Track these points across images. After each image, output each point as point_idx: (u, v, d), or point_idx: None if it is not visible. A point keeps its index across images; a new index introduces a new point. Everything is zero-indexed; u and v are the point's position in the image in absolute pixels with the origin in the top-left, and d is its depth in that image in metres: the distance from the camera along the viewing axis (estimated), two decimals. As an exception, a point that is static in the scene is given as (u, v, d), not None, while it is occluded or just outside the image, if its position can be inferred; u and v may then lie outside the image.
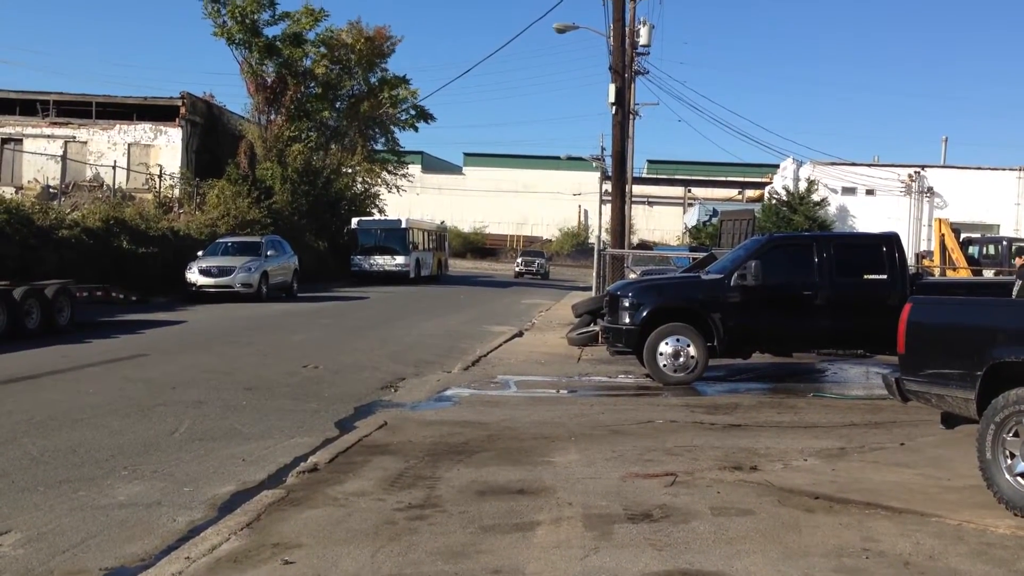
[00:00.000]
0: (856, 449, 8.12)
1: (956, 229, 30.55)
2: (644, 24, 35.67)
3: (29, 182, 37.78)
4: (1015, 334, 6.14)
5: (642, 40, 35.16)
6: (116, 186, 33.67)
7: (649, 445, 8.18)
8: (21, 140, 39.60)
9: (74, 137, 39.97)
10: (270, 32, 38.20)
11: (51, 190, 33.73)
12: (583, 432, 8.78)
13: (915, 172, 46.00)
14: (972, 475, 6.49)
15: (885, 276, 12.08)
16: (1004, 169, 46.00)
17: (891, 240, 12.41)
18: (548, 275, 52.96)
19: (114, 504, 6.23)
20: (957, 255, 28.65)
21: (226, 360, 13.52)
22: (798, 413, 10.07)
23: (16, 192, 33.12)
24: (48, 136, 39.61)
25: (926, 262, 30.82)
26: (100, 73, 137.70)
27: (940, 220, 31.16)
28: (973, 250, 30.17)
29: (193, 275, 25.33)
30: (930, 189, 45.64)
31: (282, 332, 17.75)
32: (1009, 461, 5.99)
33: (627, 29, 26.60)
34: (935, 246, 31.10)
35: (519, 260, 55.67)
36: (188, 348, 14.95)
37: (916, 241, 43.01)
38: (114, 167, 33.75)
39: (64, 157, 36.80)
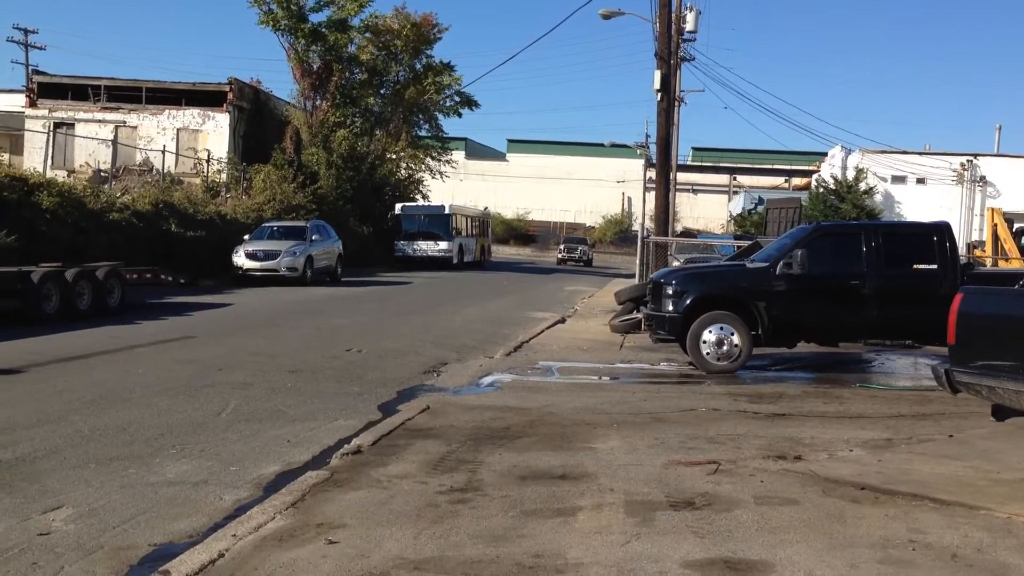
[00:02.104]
0: (903, 440, 8.00)
1: (1009, 219, 29.84)
2: (691, 10, 35.36)
3: (81, 166, 38.45)
4: (1070, 326, 6.02)
5: (688, 26, 34.87)
6: (165, 170, 34.19)
7: (691, 433, 8.14)
8: (73, 125, 40.30)
9: (124, 122, 40.60)
10: (315, 18, 38.49)
11: (102, 174, 34.31)
12: (625, 419, 8.76)
13: (967, 160, 45.10)
14: (1023, 468, 6.37)
15: (935, 266, 11.87)
16: (1060, 158, 44.96)
17: (942, 229, 12.17)
18: (591, 262, 52.72)
19: (162, 482, 6.34)
20: (1010, 245, 28.02)
21: (271, 343, 13.68)
22: (844, 403, 9.95)
23: (68, 175, 33.72)
24: (99, 121, 40.27)
25: (977, 252, 30.18)
26: (150, 59, 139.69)
27: (992, 209, 30.48)
28: (1027, 241, 29.45)
29: (239, 259, 25.64)
30: (983, 178, 44.73)
31: (326, 316, 17.91)
32: (1061, 455, 5.88)
33: (673, 15, 26.36)
34: (987, 236, 30.44)
35: (561, 247, 55.40)
36: (234, 331, 15.15)
37: (967, 231, 42.19)
38: (163, 151, 34.27)
39: (115, 141, 37.43)
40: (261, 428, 8.06)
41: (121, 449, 7.17)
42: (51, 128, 38.06)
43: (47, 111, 40.70)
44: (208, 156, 36.66)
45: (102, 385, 9.77)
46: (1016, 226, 29.99)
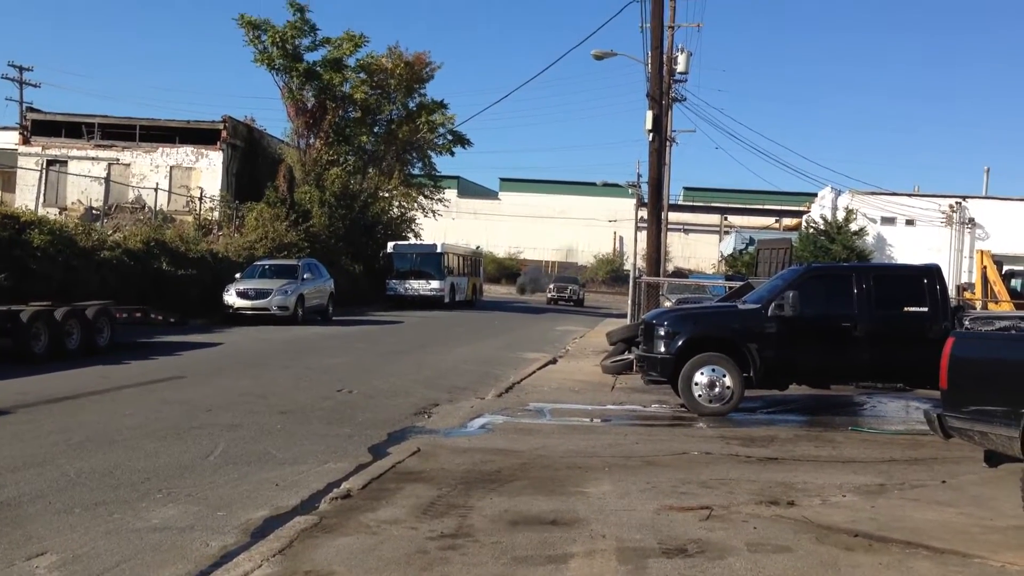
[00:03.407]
0: (896, 486, 7.96)
1: (998, 261, 30.02)
2: (682, 51, 35.79)
3: (73, 203, 38.47)
4: (1061, 372, 6.02)
5: (679, 67, 35.27)
6: (157, 208, 34.20)
7: (684, 477, 8.09)
8: (66, 162, 40.40)
9: (118, 159, 40.71)
10: (310, 57, 38.75)
11: (94, 211, 34.31)
12: (617, 462, 8.71)
13: (956, 203, 45.42)
14: (1016, 515, 6.34)
15: (926, 309, 11.90)
16: (1048, 200, 45.31)
17: (932, 272, 12.23)
18: (582, 302, 52.39)
19: (148, 527, 6.26)
20: (1000, 288, 28.14)
21: (261, 383, 13.60)
22: (836, 447, 9.91)
23: (60, 213, 33.71)
24: (93, 158, 40.38)
25: (967, 294, 30.31)
26: (145, 97, 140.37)
27: (982, 252, 30.63)
28: (1016, 283, 29.65)
29: (230, 297, 25.58)
30: (971, 220, 45.02)
31: (317, 355, 17.84)
32: (1055, 502, 5.85)
33: (665, 56, 26.66)
34: (977, 278, 30.57)
35: (551, 286, 54.46)
36: (224, 371, 15.07)
37: (957, 273, 42.37)
38: (156, 189, 34.32)
39: (108, 179, 37.54)
40: (250, 471, 7.98)
41: (107, 493, 7.09)
42: (44, 166, 38.15)
43: (40, 148, 40.81)
44: (201, 194, 36.71)
45: (89, 427, 9.68)
46: (1005, 268, 30.15)
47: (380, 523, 6.37)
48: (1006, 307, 25.72)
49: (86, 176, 37.36)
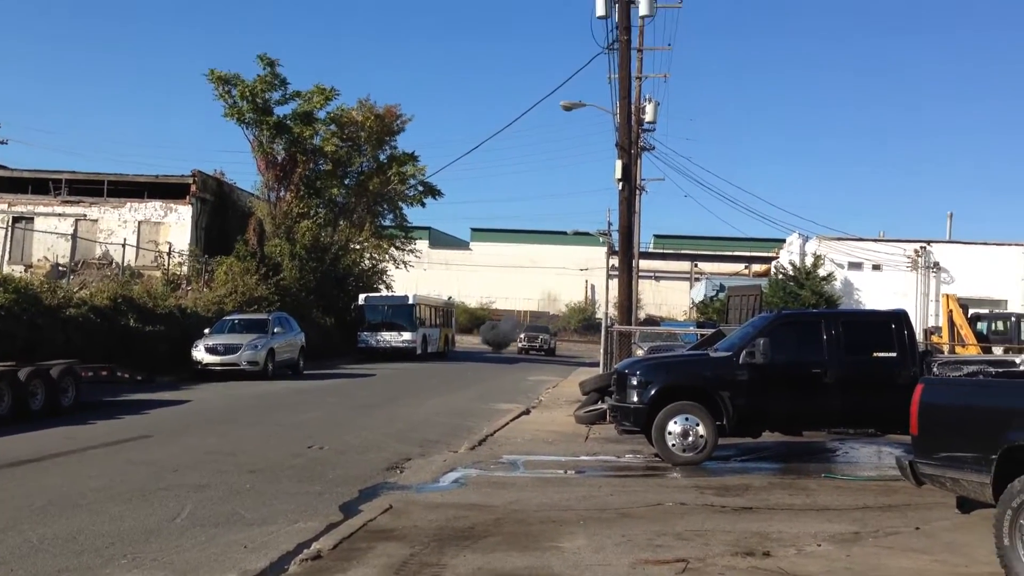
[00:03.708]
0: (870, 534, 7.94)
1: (964, 304, 30.48)
2: (650, 101, 36.30)
3: (39, 260, 38.12)
4: (1030, 417, 6.05)
5: (648, 117, 35.74)
6: (125, 263, 33.92)
7: (659, 529, 8.03)
8: (32, 219, 40.11)
9: (85, 215, 40.48)
10: (280, 111, 38.88)
11: (60, 268, 33.99)
12: (592, 515, 8.63)
13: (921, 247, 46.12)
14: (990, 561, 6.33)
15: (895, 354, 11.99)
16: (1010, 244, 46.12)
17: (900, 317, 12.34)
18: (554, 351, 52.21)
19: (112, 595, 6.09)
20: (966, 331, 28.52)
21: (230, 441, 13.40)
22: (810, 495, 9.89)
23: (26, 270, 33.38)
24: (59, 214, 40.14)
25: (935, 338, 30.66)
26: (113, 153, 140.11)
27: (948, 296, 31.11)
28: (982, 326, 30.06)
29: (199, 353, 25.30)
30: (936, 264, 45.70)
31: (287, 411, 17.63)
32: (1028, 548, 5.84)
33: (633, 107, 27.00)
34: (943, 322, 30.97)
35: (522, 336, 53.94)
36: (192, 429, 14.84)
37: (924, 316, 42.89)
38: (123, 245, 34.05)
39: (74, 235, 37.22)
40: (217, 533, 7.82)
41: (70, 560, 6.91)
42: (9, 223, 37.79)
43: (7, 205, 40.52)
44: (170, 249, 36.48)
45: (53, 490, 9.46)
46: (971, 312, 30.57)
47: (351, 585, 6.25)
48: (973, 350, 26.02)
49: (53, 233, 37.07)
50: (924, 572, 6.65)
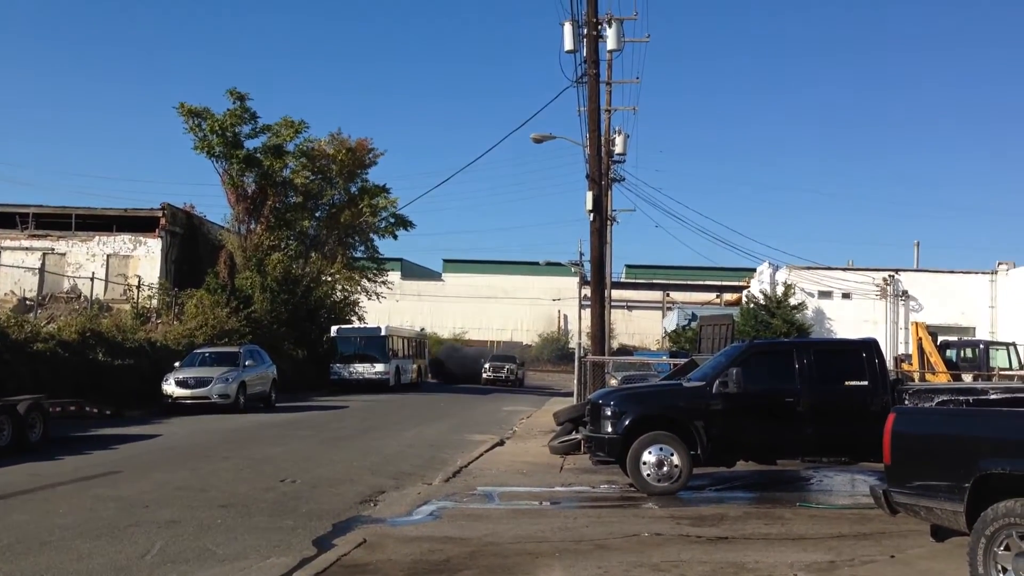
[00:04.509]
0: (846, 563, 7.96)
1: (933, 332, 30.79)
2: (619, 133, 36.59)
3: (6, 294, 37.64)
4: (1001, 444, 6.11)
5: (618, 149, 36.01)
6: (94, 297, 33.54)
7: (635, 560, 8.00)
8: (-1, 253, 39.62)
9: (53, 249, 40.09)
10: (251, 144, 38.79)
11: (27, 302, 33.57)
12: (568, 547, 8.59)
13: (889, 276, 46.65)
14: (965, 590, 6.35)
15: (866, 382, 12.09)
16: (976, 272, 46.75)
17: (870, 346, 12.46)
18: (522, 382, 50.78)
19: (80, 635, 5.97)
20: (936, 359, 28.80)
21: (201, 476, 13.22)
22: (785, 524, 9.91)
23: (-8, 304, 32.91)
24: (26, 248, 39.73)
25: (905, 366, 30.93)
26: (81, 186, 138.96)
27: (917, 324, 31.42)
28: (951, 353, 30.36)
29: (169, 387, 25.00)
30: (905, 292, 46.22)
31: (259, 445, 17.44)
32: (1002, 576, 5.88)
33: (603, 139, 27.23)
34: (913, 349, 31.28)
35: (487, 365, 51.14)
36: (162, 464, 14.62)
37: (893, 344, 43.27)
38: (92, 278, 33.68)
39: (42, 269, 36.87)
40: (188, 570, 7.70)
41: (37, 599, 6.77)
42: (-24, 256, 37.30)
43: (-28, 240, 40.01)
44: (139, 282, 36.15)
45: (19, 528, 9.28)
46: (940, 339, 30.89)
47: (325, 621, 6.16)
48: (943, 378, 26.27)
49: (19, 267, 36.64)
50: (900, 600, 6.67)
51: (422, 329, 53.32)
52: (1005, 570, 5.86)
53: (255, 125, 38.35)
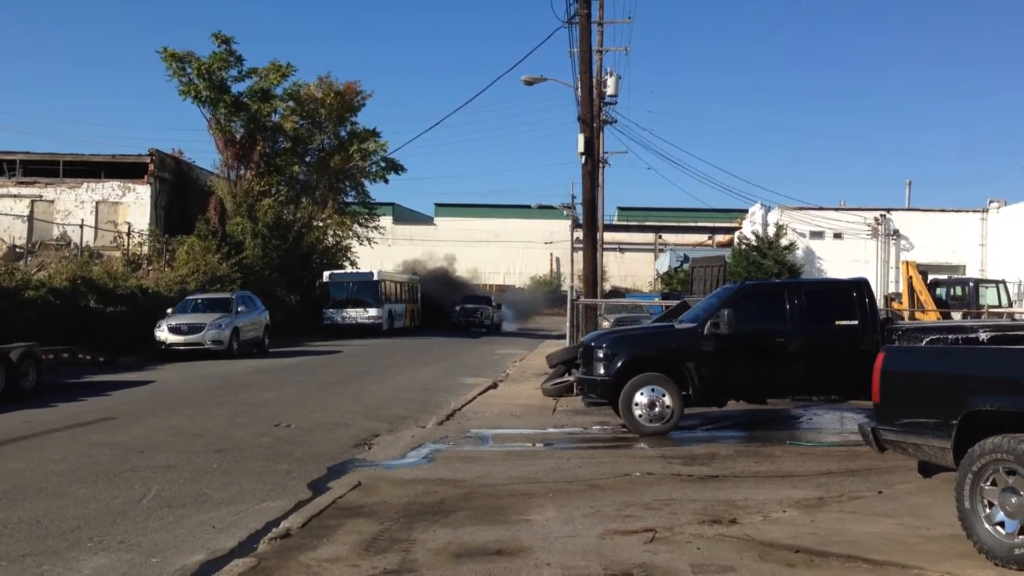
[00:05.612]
0: (834, 499, 8.07)
1: (923, 271, 30.88)
2: (611, 75, 36.15)
3: (-6, 243, 37.35)
4: (988, 382, 6.15)
5: (609, 91, 35.61)
6: (84, 244, 33.35)
7: (627, 499, 8.09)
8: (-13, 200, 39.26)
9: (41, 196, 39.73)
10: (237, 88, 38.28)
11: (17, 250, 33.37)
12: (560, 487, 8.68)
13: (881, 215, 46.60)
14: (951, 524, 6.45)
15: (856, 322, 12.14)
16: (967, 211, 46.70)
17: (861, 286, 12.49)
18: (499, 327, 47.49)
19: (79, 578, 6.04)
20: (925, 297, 28.94)
21: (196, 421, 13.30)
22: (775, 462, 10.02)
23: (-19, 253, 32.71)
24: (14, 196, 39.34)
25: (895, 304, 31.09)
26: (69, 131, 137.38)
27: (907, 263, 31.51)
28: (940, 292, 30.49)
29: (162, 333, 25.04)
30: (896, 232, 46.22)
31: (253, 390, 17.52)
32: (988, 510, 5.96)
33: (594, 80, 26.95)
34: (903, 288, 31.40)
35: (457, 308, 46.59)
36: (157, 409, 14.70)
37: (884, 283, 43.41)
38: (81, 225, 33.45)
39: (31, 217, 36.58)
40: (185, 514, 7.77)
41: (35, 544, 6.83)
42: (-37, 205, 36.96)
43: (-40, 187, 39.63)
44: (129, 229, 35.93)
45: (15, 475, 9.34)
46: (930, 278, 31.01)
47: (321, 562, 6.24)
48: (932, 316, 26.42)
49: (8, 214, 36.34)
50: (887, 536, 6.77)
51: (415, 273, 53.25)
52: (991, 504, 5.94)
53: (241, 68, 37.77)
